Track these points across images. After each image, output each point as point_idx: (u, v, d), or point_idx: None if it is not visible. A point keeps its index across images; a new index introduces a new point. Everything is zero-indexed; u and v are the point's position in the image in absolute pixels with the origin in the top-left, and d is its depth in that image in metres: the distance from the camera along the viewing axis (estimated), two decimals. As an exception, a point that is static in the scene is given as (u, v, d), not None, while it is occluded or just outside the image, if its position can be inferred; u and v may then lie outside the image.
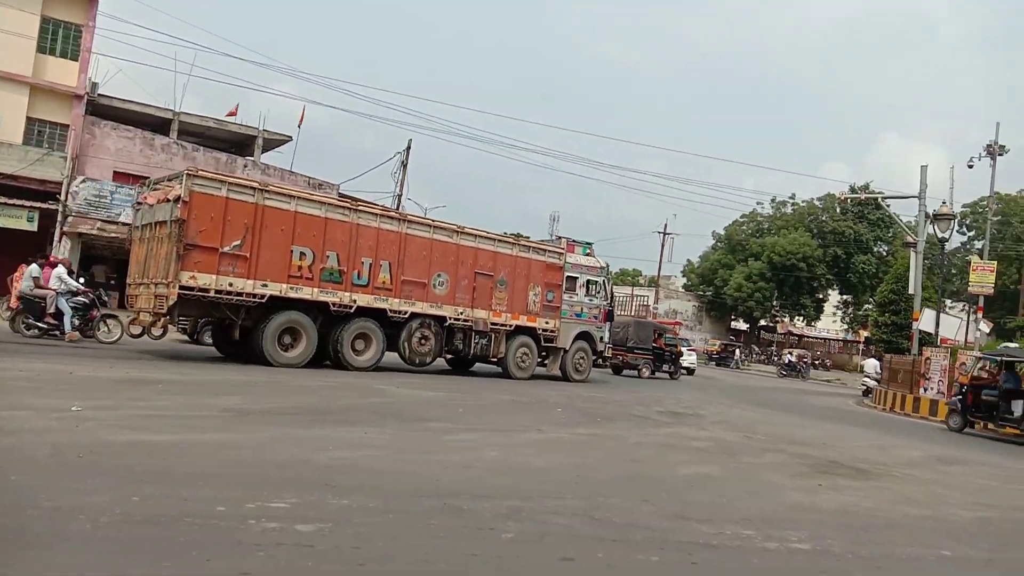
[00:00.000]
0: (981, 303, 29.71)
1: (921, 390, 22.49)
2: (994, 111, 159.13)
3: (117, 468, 5.47)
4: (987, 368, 19.33)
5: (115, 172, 28.29)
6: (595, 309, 20.90)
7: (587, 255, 21.09)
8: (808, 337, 67.29)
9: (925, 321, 28.88)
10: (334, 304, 15.07)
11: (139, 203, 15.24)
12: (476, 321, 17.36)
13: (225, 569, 3.78)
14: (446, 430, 9.13)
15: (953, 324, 32.56)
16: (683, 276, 69.59)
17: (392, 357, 16.46)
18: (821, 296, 61.30)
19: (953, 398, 19.46)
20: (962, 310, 37.05)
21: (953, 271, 52.46)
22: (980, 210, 52.17)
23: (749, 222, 64.84)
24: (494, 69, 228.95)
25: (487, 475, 6.77)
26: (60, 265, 15.90)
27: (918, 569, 5.32)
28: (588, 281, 20.57)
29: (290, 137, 34.66)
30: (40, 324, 14.98)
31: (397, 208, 34.54)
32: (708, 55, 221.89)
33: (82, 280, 16.74)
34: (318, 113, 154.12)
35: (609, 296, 21.97)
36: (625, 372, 27.59)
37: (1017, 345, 24.44)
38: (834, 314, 64.35)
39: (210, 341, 17.14)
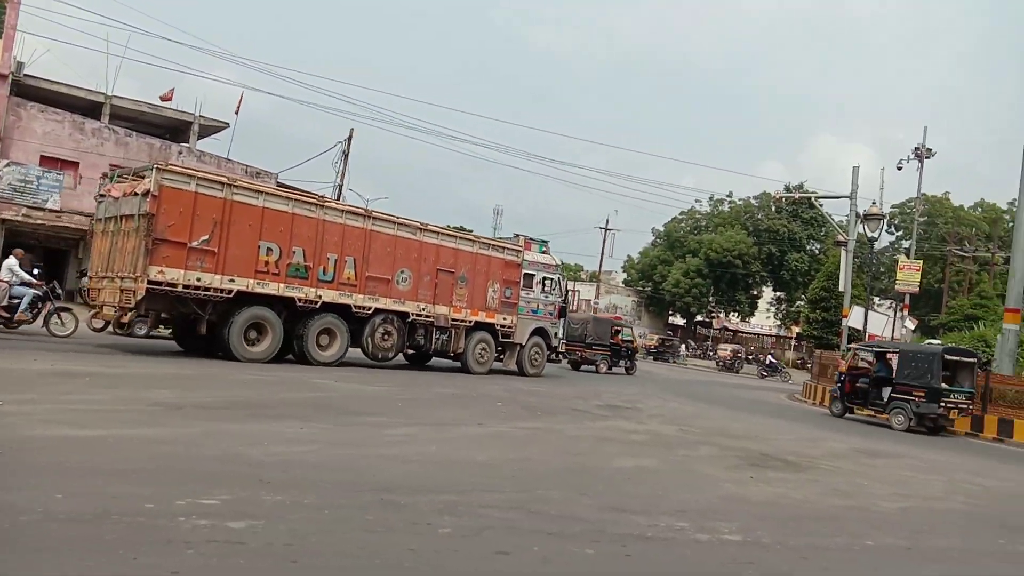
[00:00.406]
0: (907, 301, 30.92)
1: None
2: (922, 115, 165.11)
3: (40, 465, 5.28)
4: (862, 358, 20.88)
5: (42, 156, 27.28)
6: (550, 306, 21.37)
7: (543, 253, 21.60)
8: (742, 332, 68.87)
9: (854, 318, 29.88)
10: (300, 300, 15.12)
11: (102, 195, 14.99)
12: (437, 317, 17.60)
13: (153, 568, 3.68)
14: (384, 424, 9.07)
15: (880, 321, 33.77)
16: (623, 271, 70.50)
17: (353, 353, 16.39)
18: (755, 293, 62.84)
19: (835, 386, 20.88)
20: (889, 307, 38.37)
21: (881, 270, 54.44)
22: (908, 211, 54.17)
23: (688, 219, 66.04)
24: (436, 60, 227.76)
25: (425, 469, 6.75)
26: (12, 256, 15.42)
27: (843, 559, 5.50)
28: (544, 278, 21.06)
29: (227, 124, 33.89)
30: None
31: (338, 198, 34.12)
32: (647, 50, 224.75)
33: (36, 272, 16.14)
34: (257, 100, 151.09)
35: (563, 293, 22.42)
36: (584, 368, 28.22)
37: (940, 341, 25.48)
38: (768, 310, 66.04)
39: (142, 333, 16.76)
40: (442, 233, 18.09)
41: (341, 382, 13.05)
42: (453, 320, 18.01)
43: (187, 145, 31.50)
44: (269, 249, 14.63)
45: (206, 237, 13.73)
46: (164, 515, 4.44)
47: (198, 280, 13.69)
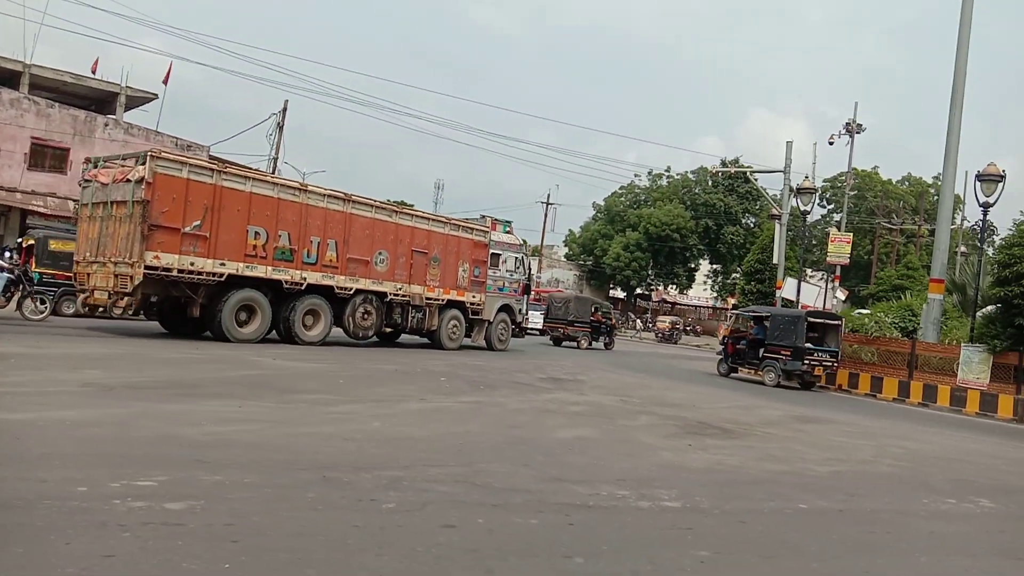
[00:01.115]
0: (838, 272, 31.88)
1: None
2: (853, 91, 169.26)
3: (-38, 450, 5.07)
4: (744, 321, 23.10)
5: (-45, 128, 25.93)
6: (515, 283, 22.45)
7: (507, 232, 22.52)
8: (680, 305, 70.08)
9: (787, 289, 30.70)
10: (286, 282, 15.67)
11: (87, 180, 15.06)
12: (413, 296, 18.35)
13: (86, 552, 3.57)
14: (325, 402, 8.97)
15: (813, 292, 34.82)
16: (565, 246, 70.84)
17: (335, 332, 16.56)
18: (693, 266, 63.85)
19: (720, 349, 22.91)
20: (821, 279, 39.53)
21: (814, 242, 55.90)
22: (839, 185, 55.65)
23: (627, 193, 66.57)
24: (373, 33, 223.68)
25: (368, 446, 6.71)
26: None
27: (777, 522, 5.68)
28: (509, 257, 22.10)
29: (156, 95, 32.69)
30: None
31: (273, 172, 33.48)
32: (586, 26, 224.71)
33: (7, 255, 15.97)
34: (187, 70, 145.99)
35: (527, 271, 23.34)
36: (565, 344, 29.62)
37: (869, 311, 26.34)
38: (705, 283, 67.27)
39: (70, 312, 16.89)
40: (416, 216, 18.90)
41: (279, 360, 12.86)
42: (427, 299, 18.76)
43: (114, 117, 30.32)
44: (257, 233, 15.12)
45: (198, 222, 14.11)
46: (97, 498, 4.32)
47: (191, 264, 14.13)
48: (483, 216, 22.58)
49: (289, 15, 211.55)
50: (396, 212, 18.30)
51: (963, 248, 38.79)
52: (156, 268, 13.63)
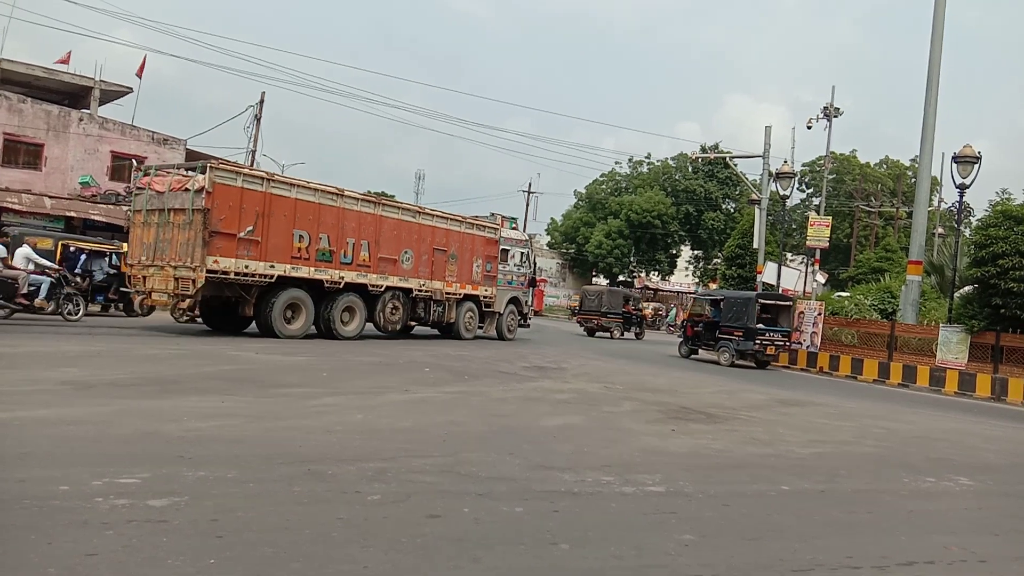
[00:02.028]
0: (818, 256, 32.08)
1: (795, 343, 23.18)
2: (830, 75, 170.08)
3: (-61, 452, 5.01)
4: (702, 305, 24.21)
5: (-75, 124, 25.50)
6: (521, 277, 23.89)
7: (513, 228, 24.19)
8: (663, 291, 70.34)
9: (768, 273, 30.86)
10: (327, 281, 16.91)
11: (140, 188, 15.99)
12: (434, 291, 19.85)
13: (69, 552, 3.54)
14: (308, 395, 8.93)
15: (793, 276, 35.02)
16: (547, 234, 70.86)
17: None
18: (674, 252, 64.11)
19: (680, 332, 24.32)
20: (801, 263, 39.81)
21: (793, 226, 56.19)
22: (817, 169, 55.95)
23: (608, 181, 66.65)
24: (352, 21, 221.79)
25: (351, 438, 6.69)
26: (25, 244, 15.89)
27: (761, 504, 5.72)
28: (516, 252, 23.46)
29: (130, 88, 32.25)
30: (10, 304, 14.84)
31: (251, 164, 33.27)
32: (565, 13, 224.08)
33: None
34: (163, 63, 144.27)
35: (532, 265, 24.71)
36: (599, 334, 31.42)
37: (849, 294, 26.57)
38: (686, 268, 67.53)
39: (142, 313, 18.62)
40: (436, 216, 20.27)
41: (261, 354, 12.79)
42: (447, 293, 20.28)
43: (88, 112, 29.91)
44: (301, 236, 16.31)
45: (251, 228, 15.27)
46: (79, 497, 4.29)
47: (246, 267, 15.27)
48: (492, 214, 24.22)
49: (266, 5, 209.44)
50: (419, 213, 19.71)
51: (940, 230, 39.21)
52: (216, 271, 14.73)
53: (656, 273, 65.01)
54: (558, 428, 8.22)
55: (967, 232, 31.21)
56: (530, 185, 59.59)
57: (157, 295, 15.57)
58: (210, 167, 14.81)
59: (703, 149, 55.03)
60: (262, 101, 34.17)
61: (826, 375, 21.21)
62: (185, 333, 15.94)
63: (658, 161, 66.08)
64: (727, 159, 45.26)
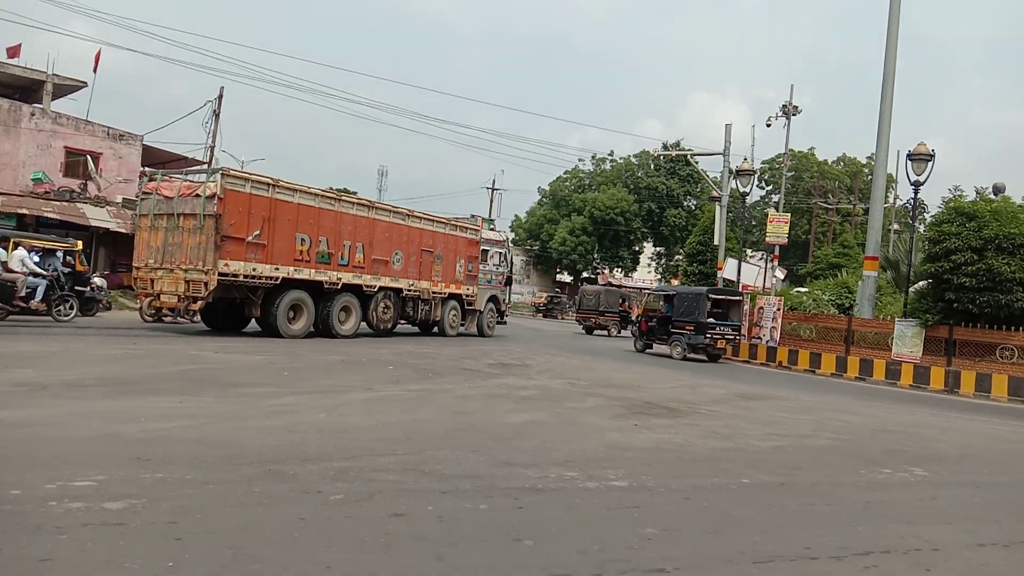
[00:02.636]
0: (777, 252, 32.57)
1: (755, 338, 23.74)
2: (789, 74, 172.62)
3: None
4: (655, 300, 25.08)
5: None
6: (500, 276, 24.87)
7: (491, 230, 25.15)
8: (626, 287, 70.88)
9: (728, 270, 31.24)
10: (326, 282, 17.61)
11: (146, 192, 16.54)
12: (422, 291, 20.73)
13: (20, 557, 3.46)
14: (269, 395, 8.83)
15: (753, 272, 35.48)
16: (511, 231, 70.88)
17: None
18: (637, 248, 64.63)
19: (634, 327, 24.93)
20: (761, 259, 40.31)
21: (753, 223, 56.97)
22: (777, 166, 56.74)
23: (572, 178, 66.92)
24: (313, 15, 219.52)
25: (313, 438, 6.62)
26: (20, 248, 16.16)
27: (721, 497, 5.80)
28: (495, 253, 24.45)
29: (85, 83, 31.47)
30: (7, 306, 15.21)
31: (210, 161, 32.91)
32: (524, 9, 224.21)
33: (37, 262, 16.77)
34: (118, 57, 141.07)
35: (510, 264, 25.74)
36: (596, 332, 32.36)
37: (807, 289, 27.01)
38: (649, 265, 68.12)
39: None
40: (423, 218, 21.09)
41: (220, 353, 12.61)
42: (433, 293, 21.17)
43: (40, 106, 29.13)
44: (303, 239, 16.97)
45: (258, 232, 15.84)
46: (31, 501, 4.19)
47: (253, 270, 15.89)
48: (473, 216, 25.26)
49: (224, 5, 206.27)
50: (408, 216, 20.39)
51: (896, 226, 40.03)
52: (227, 274, 15.34)
53: (619, 270, 65.45)
54: (522, 425, 8.23)
55: (921, 228, 31.95)
56: (494, 182, 59.59)
57: (166, 297, 16.03)
58: (222, 174, 15.46)
59: (665, 147, 55.56)
60: (221, 96, 33.66)
61: (785, 369, 21.54)
62: (185, 333, 15.64)
63: (621, 158, 66.57)
64: (688, 156, 45.73)
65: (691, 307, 21.44)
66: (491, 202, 58.92)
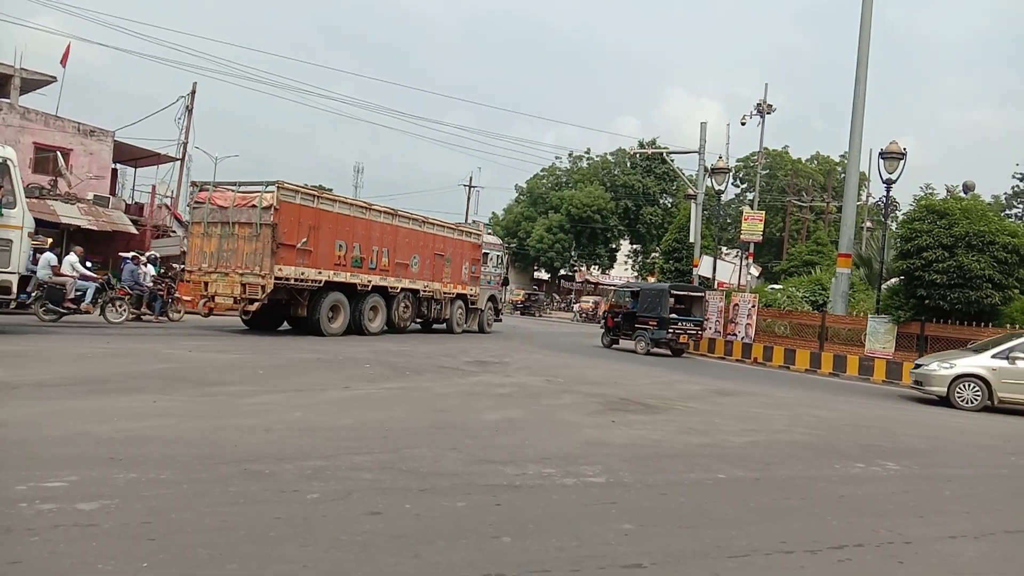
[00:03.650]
0: (752, 249, 32.84)
1: (730, 335, 23.83)
2: (764, 73, 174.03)
3: None
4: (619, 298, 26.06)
5: None
6: (498, 277, 26.96)
7: (490, 234, 27.35)
8: (603, 284, 71.05)
9: (704, 267, 31.44)
10: (359, 285, 19.18)
11: (199, 202, 17.73)
12: (435, 291, 22.45)
13: (-10, 560, 3.41)
14: (244, 393, 8.76)
15: (728, 269, 35.78)
16: (489, 228, 70.80)
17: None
18: (614, 246, 64.80)
19: (601, 323, 25.67)
20: (736, 256, 40.62)
21: (728, 221, 57.39)
22: (751, 164, 57.08)
23: (549, 176, 66.97)
24: (287, 10, 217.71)
25: (289, 436, 6.58)
26: (72, 253, 17.04)
27: (697, 493, 5.84)
28: (493, 255, 26.50)
29: (54, 77, 30.95)
30: (60, 309, 15.67)
31: (182, 157, 32.66)
32: (501, 7, 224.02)
33: (88, 265, 17.64)
34: (88, 51, 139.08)
35: (505, 266, 27.64)
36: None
37: (782, 286, 27.26)
38: (626, 263, 68.35)
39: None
40: (436, 224, 22.87)
41: (195, 352, 12.48)
42: (444, 293, 22.90)
43: (8, 101, 28.62)
44: (340, 245, 18.46)
45: (305, 239, 17.26)
46: (1, 502, 4.12)
47: (302, 274, 17.31)
48: (474, 221, 27.37)
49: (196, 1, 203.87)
50: (424, 222, 22.08)
51: (869, 223, 40.47)
52: (281, 278, 16.68)
53: (596, 267, 65.63)
54: (500, 422, 8.23)
55: (894, 226, 32.35)
56: (471, 179, 59.36)
57: (221, 299, 17.27)
58: (277, 187, 16.65)
59: (641, 145, 55.80)
60: (193, 92, 33.26)
61: (760, 365, 21.74)
62: (187, 334, 15.43)
63: (598, 156, 66.72)
64: (664, 155, 45.96)
65: (654, 303, 21.99)
66: (468, 200, 58.79)
